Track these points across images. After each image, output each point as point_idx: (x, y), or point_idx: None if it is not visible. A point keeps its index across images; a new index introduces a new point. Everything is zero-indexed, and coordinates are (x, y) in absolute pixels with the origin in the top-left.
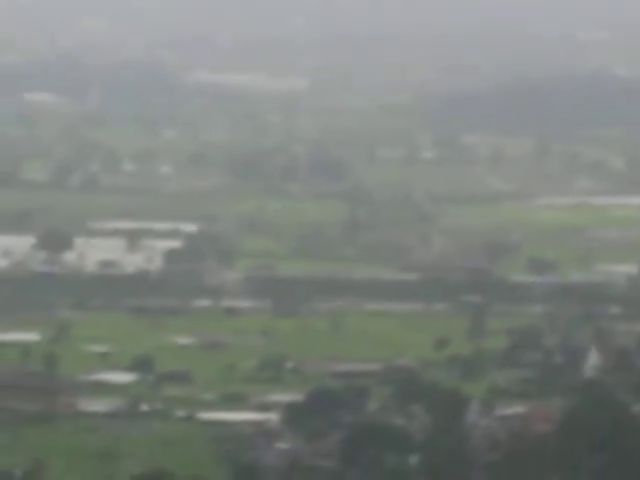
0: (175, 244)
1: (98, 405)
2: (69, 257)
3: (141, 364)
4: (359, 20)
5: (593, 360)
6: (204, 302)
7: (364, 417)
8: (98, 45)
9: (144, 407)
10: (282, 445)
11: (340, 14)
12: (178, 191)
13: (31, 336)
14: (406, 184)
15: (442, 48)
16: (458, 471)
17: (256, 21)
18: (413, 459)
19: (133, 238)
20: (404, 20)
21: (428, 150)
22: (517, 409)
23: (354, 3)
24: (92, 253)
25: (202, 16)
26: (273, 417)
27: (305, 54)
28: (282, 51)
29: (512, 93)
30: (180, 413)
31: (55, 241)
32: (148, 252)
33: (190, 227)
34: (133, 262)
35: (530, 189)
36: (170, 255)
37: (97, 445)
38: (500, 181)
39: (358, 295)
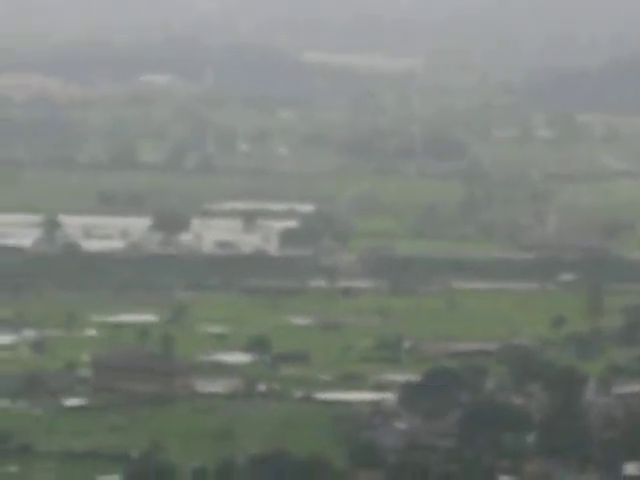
0: (291, 224)
1: (215, 386)
2: (185, 238)
3: (258, 345)
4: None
5: None
6: (320, 282)
7: (481, 397)
8: (211, 26)
9: (261, 388)
10: (399, 425)
11: None
12: (294, 172)
13: (148, 317)
14: (521, 163)
15: (554, 22)
16: (575, 450)
17: (368, 1)
18: (530, 438)
19: (249, 219)
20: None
21: (542, 129)
22: (635, 388)
23: None
24: (208, 234)
25: None
26: (390, 397)
27: (418, 35)
28: (395, 31)
29: (626, 69)
30: (297, 393)
31: (171, 222)
32: (264, 233)
33: (306, 207)
34: (249, 243)
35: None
36: (286, 236)
37: (214, 426)
38: (615, 160)
39: (474, 274)
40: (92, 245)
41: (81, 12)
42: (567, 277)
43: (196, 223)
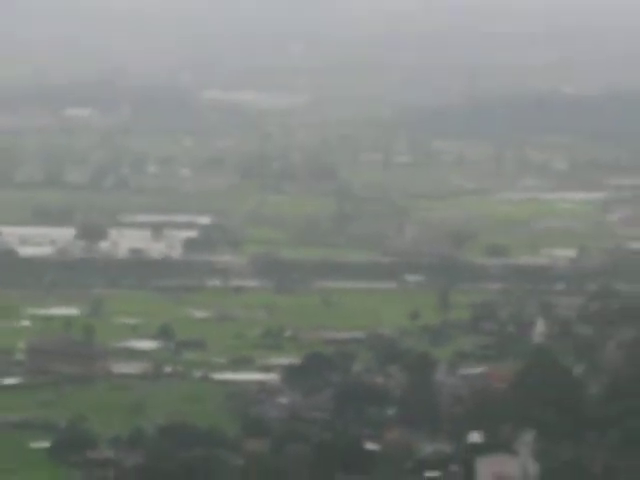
0: (192, 234)
1: (128, 368)
2: (104, 245)
3: (164, 333)
4: (346, 47)
5: (540, 329)
6: (216, 282)
7: (350, 377)
8: (126, 67)
9: (167, 369)
10: (282, 400)
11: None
12: (194, 190)
13: (72, 311)
14: (384, 184)
15: (413, 72)
16: (428, 422)
17: (259, 45)
18: (391, 411)
19: (157, 229)
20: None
21: (402, 155)
22: (478, 370)
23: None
24: (123, 242)
25: (212, 39)
26: (275, 377)
27: (301, 76)
28: (282, 73)
29: (473, 106)
30: (197, 374)
31: (92, 232)
32: (169, 241)
33: (204, 220)
34: (157, 249)
35: (487, 186)
36: (187, 243)
37: (127, 401)
38: (463, 180)
39: (345, 276)
40: (27, 251)
41: (19, 51)
42: (421, 278)
43: (113, 233)
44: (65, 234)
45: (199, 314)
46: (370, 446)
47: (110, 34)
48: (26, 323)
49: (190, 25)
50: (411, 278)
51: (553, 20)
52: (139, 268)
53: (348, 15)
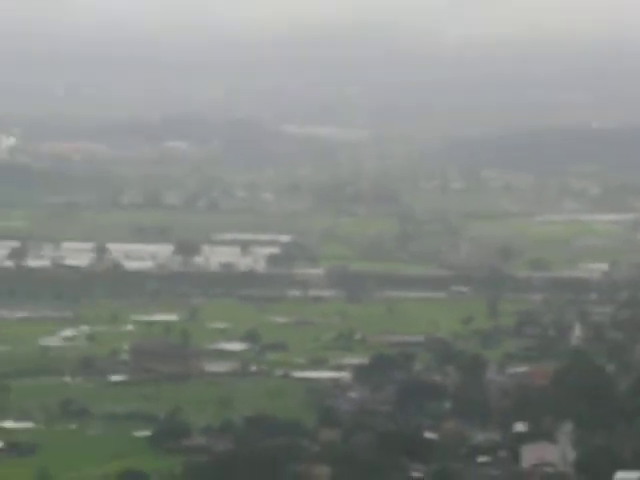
0: (274, 250)
1: (219, 367)
2: (198, 260)
3: (250, 337)
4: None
5: (577, 333)
6: (295, 292)
7: (412, 375)
8: (216, 105)
9: (252, 368)
10: (352, 395)
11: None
12: (276, 212)
13: (171, 317)
14: (440, 207)
15: (460, 111)
16: (479, 414)
17: (324, 87)
18: (447, 405)
19: (244, 246)
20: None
21: (456, 182)
22: (523, 369)
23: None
24: (214, 257)
25: (286, 83)
26: (346, 375)
27: (362, 114)
28: (345, 111)
29: (515, 139)
30: (278, 372)
31: (187, 248)
32: (255, 256)
33: (285, 238)
34: (244, 263)
35: (530, 210)
36: (270, 258)
37: (218, 395)
38: (509, 204)
39: (406, 287)
40: (131, 265)
41: (121, 91)
42: (473, 289)
43: (205, 249)
44: (164, 250)
45: (280, 320)
46: (429, 435)
47: (196, 78)
48: (130, 328)
49: (267, 72)
50: (464, 289)
51: (581, 61)
52: (228, 280)
53: (395, 59)
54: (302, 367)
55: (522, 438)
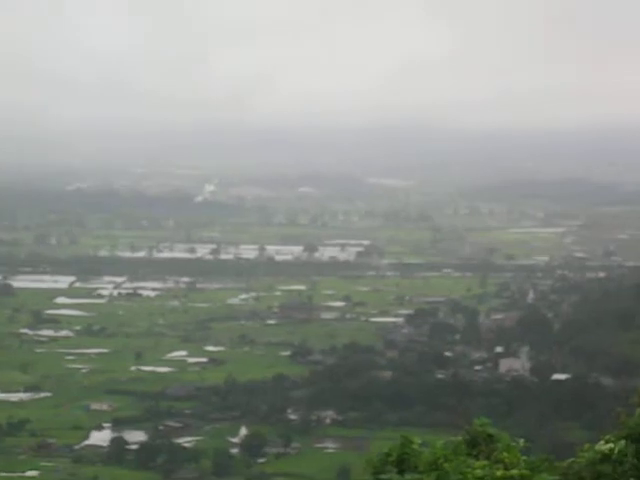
0: (359, 249)
1: (328, 315)
2: (316, 255)
3: (346, 298)
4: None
5: (531, 296)
6: (372, 272)
7: (437, 320)
8: (329, 165)
9: (347, 316)
10: (404, 331)
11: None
12: (361, 227)
13: (300, 287)
14: (455, 223)
15: (471, 165)
16: (475, 341)
17: (384, 157)
18: (457, 336)
19: (342, 247)
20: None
21: (464, 209)
22: (500, 316)
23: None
24: (326, 253)
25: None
26: (400, 320)
27: (415, 169)
28: (404, 168)
29: (498, 186)
30: (362, 318)
31: (310, 248)
32: (349, 252)
33: (366, 242)
34: (343, 257)
35: (505, 225)
36: (358, 253)
37: (327, 331)
38: (493, 222)
39: (435, 269)
40: (278, 257)
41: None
42: (472, 271)
43: (320, 248)
44: (297, 249)
45: (363, 288)
46: (447, 354)
47: (318, 149)
48: (278, 293)
49: (360, 146)
50: (467, 271)
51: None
52: (334, 266)
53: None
54: (375, 315)
55: (500, 355)
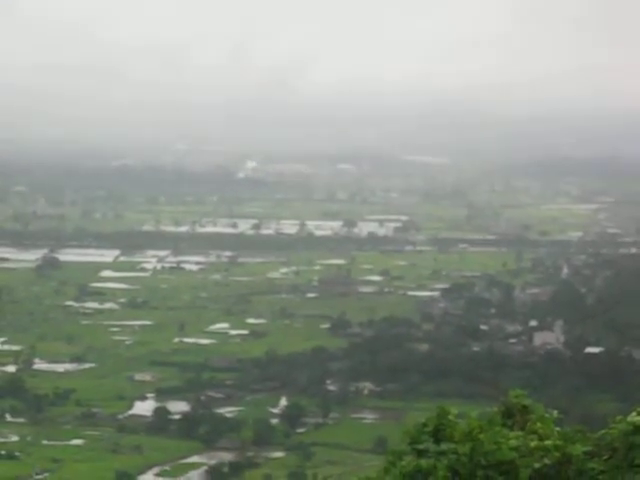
0: (397, 225)
1: (366, 289)
2: (355, 230)
3: (384, 272)
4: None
5: (565, 270)
6: (410, 247)
7: (473, 294)
8: (366, 142)
9: (385, 290)
10: (440, 305)
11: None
12: (399, 204)
13: (340, 261)
14: (489, 201)
15: (503, 153)
16: (510, 315)
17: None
18: (492, 310)
19: (380, 222)
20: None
21: (499, 186)
22: (535, 290)
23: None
24: (365, 228)
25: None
26: (437, 294)
27: (445, 146)
28: (436, 145)
29: (531, 164)
30: (400, 292)
31: (350, 223)
32: (387, 228)
33: (404, 217)
34: (381, 232)
35: (539, 202)
36: (395, 228)
37: (366, 305)
38: (527, 199)
39: (470, 244)
40: (318, 232)
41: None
42: (508, 246)
43: (360, 224)
44: (337, 225)
45: (401, 263)
46: (483, 327)
47: (360, 129)
48: (318, 267)
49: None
50: (502, 246)
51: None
52: (372, 241)
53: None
54: (412, 289)
55: (534, 329)
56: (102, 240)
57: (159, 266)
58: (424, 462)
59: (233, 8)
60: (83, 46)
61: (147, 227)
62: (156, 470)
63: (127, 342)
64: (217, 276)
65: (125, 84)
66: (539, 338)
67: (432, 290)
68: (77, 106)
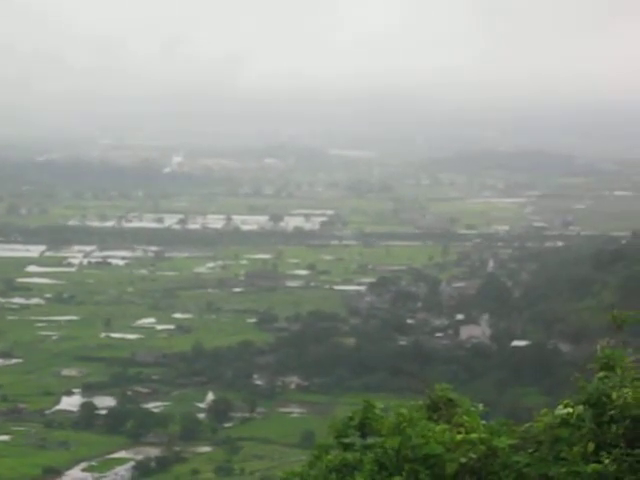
0: (324, 219)
1: (293, 283)
2: (281, 224)
3: (311, 267)
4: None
5: (491, 264)
6: (335, 242)
7: (399, 288)
8: (295, 138)
9: (312, 284)
10: (367, 299)
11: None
12: (324, 198)
13: (266, 255)
14: (416, 194)
15: (429, 143)
16: (436, 309)
17: (351, 127)
18: (419, 304)
19: (307, 217)
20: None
21: (425, 180)
22: (461, 284)
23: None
24: (291, 223)
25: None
26: (363, 288)
27: (372, 142)
28: (363, 140)
29: (459, 157)
30: (326, 286)
31: (276, 218)
32: (313, 222)
33: (329, 212)
34: (307, 226)
35: (465, 196)
36: (322, 223)
37: (292, 299)
38: (453, 192)
39: (397, 238)
40: (244, 227)
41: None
42: (433, 240)
43: (286, 218)
44: (263, 219)
45: (327, 257)
46: (409, 321)
47: (293, 125)
48: (244, 262)
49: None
50: (428, 240)
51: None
52: (299, 235)
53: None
54: (339, 283)
55: (461, 323)
56: (28, 235)
57: (85, 261)
58: (350, 456)
59: (172, 2)
60: (31, 31)
61: (73, 222)
62: (83, 465)
63: (53, 337)
64: (143, 271)
65: (64, 71)
66: (465, 332)
67: (358, 284)
68: (8, 93)
